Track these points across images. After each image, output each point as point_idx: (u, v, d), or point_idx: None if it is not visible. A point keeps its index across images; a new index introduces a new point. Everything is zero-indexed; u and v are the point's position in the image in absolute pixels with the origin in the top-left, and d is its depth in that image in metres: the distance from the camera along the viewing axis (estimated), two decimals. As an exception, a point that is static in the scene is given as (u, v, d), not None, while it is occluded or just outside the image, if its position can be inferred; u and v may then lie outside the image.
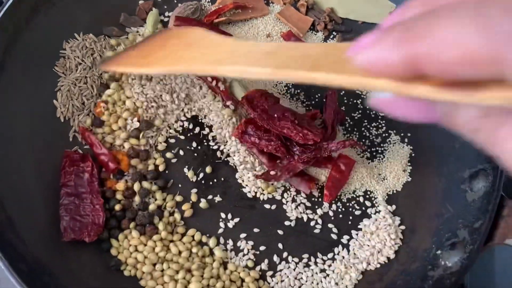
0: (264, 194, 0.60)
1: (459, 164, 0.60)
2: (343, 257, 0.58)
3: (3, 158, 0.53)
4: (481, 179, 0.57)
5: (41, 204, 0.54)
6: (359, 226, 0.60)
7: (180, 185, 0.59)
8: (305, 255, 0.58)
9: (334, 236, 0.59)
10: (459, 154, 0.60)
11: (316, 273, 0.57)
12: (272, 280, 0.56)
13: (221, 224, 0.58)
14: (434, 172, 0.62)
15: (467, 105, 0.18)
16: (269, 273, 0.57)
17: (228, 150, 0.61)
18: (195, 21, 0.65)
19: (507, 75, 0.16)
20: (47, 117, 0.58)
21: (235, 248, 0.57)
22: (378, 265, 0.58)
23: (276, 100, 0.61)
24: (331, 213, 0.60)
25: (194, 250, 0.56)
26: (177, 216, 0.57)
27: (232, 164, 0.61)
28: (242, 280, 0.56)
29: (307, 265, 0.57)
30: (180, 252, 0.55)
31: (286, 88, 0.66)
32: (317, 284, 0.57)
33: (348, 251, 0.58)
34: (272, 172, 0.59)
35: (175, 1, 0.68)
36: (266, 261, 0.57)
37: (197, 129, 0.61)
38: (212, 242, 0.57)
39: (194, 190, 0.59)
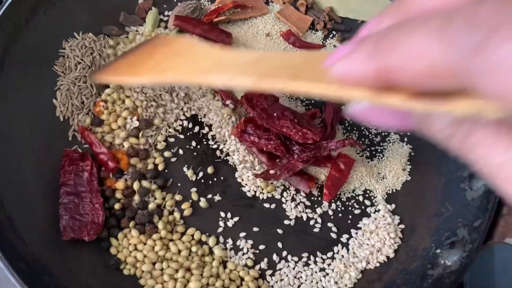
0: (263, 193, 0.60)
1: (458, 163, 0.60)
2: (343, 256, 0.58)
3: (2, 158, 0.53)
4: (480, 178, 0.57)
5: (40, 203, 0.54)
6: (358, 225, 0.60)
7: (179, 184, 0.59)
8: (305, 254, 0.58)
9: (333, 235, 0.59)
10: (459, 153, 0.60)
11: (316, 272, 0.57)
12: (272, 279, 0.56)
13: (221, 223, 0.58)
14: (434, 171, 0.62)
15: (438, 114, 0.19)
16: (269, 272, 0.57)
17: (228, 149, 0.61)
18: (194, 20, 0.65)
19: (469, 87, 0.16)
20: (47, 117, 0.58)
21: (235, 247, 0.57)
22: (378, 264, 0.58)
23: (275, 99, 0.61)
24: (330, 212, 0.60)
25: (193, 249, 0.56)
26: (176, 215, 0.57)
27: (231, 163, 0.61)
28: (242, 279, 0.56)
29: (306, 264, 0.58)
30: (179, 251, 0.55)
31: (286, 87, 0.66)
32: (317, 283, 0.57)
33: (348, 250, 0.58)
34: (271, 171, 0.59)
35: (175, 0, 0.68)
36: (265, 260, 0.57)
37: (196, 128, 0.61)
38: (211, 241, 0.57)
39: (194, 189, 0.59)
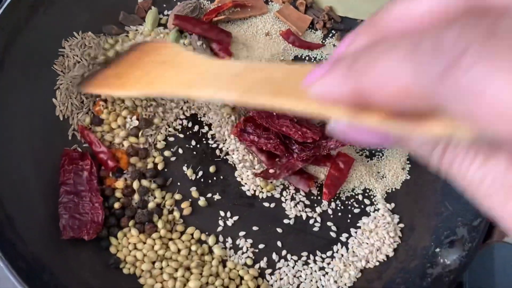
0: (263, 192, 0.60)
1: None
2: (342, 255, 0.58)
3: (2, 157, 0.53)
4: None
5: (40, 202, 0.54)
6: (358, 224, 0.60)
7: (179, 183, 0.59)
8: (304, 253, 0.58)
9: (333, 234, 0.59)
10: (458, 152, 0.60)
11: (315, 271, 0.57)
12: (271, 278, 0.57)
13: (220, 222, 0.58)
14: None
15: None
16: (268, 271, 0.57)
17: (227, 148, 0.61)
18: (194, 19, 0.65)
19: (441, 109, 0.17)
20: (47, 116, 0.58)
21: (234, 246, 0.57)
22: (377, 263, 0.58)
23: (275, 98, 0.61)
24: (330, 211, 0.60)
25: (193, 248, 0.56)
26: (176, 214, 0.57)
27: (231, 162, 0.61)
28: (241, 278, 0.56)
29: (306, 263, 0.58)
30: (179, 250, 0.56)
31: (285, 86, 0.66)
32: (316, 282, 0.57)
33: (347, 249, 0.59)
34: (271, 170, 0.59)
35: (174, 0, 0.68)
36: (265, 259, 0.57)
37: (196, 128, 0.61)
38: (211, 240, 0.57)
39: (193, 188, 0.59)
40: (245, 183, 0.60)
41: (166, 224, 0.56)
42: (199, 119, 0.62)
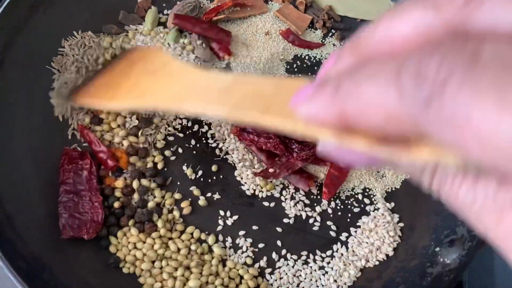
0: (262, 192, 0.60)
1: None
2: (342, 255, 0.58)
3: (2, 157, 0.53)
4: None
5: (40, 202, 0.54)
6: (357, 224, 0.60)
7: (179, 183, 0.59)
8: (304, 253, 0.58)
9: (332, 234, 0.59)
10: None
11: (315, 270, 0.57)
12: (271, 277, 0.57)
13: (220, 222, 0.58)
14: (433, 170, 0.62)
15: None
16: (268, 270, 0.57)
17: (227, 147, 0.61)
18: (194, 19, 0.65)
19: (424, 135, 0.17)
20: (46, 115, 0.58)
21: (234, 246, 0.57)
22: (377, 262, 0.58)
23: (274, 97, 0.61)
24: (329, 211, 0.60)
25: (193, 247, 0.56)
26: (176, 213, 0.57)
27: (230, 162, 0.61)
28: (241, 277, 0.56)
29: (305, 263, 0.58)
30: (179, 250, 0.56)
31: (285, 85, 0.66)
32: (316, 281, 0.57)
33: (347, 248, 0.59)
34: (270, 170, 0.59)
35: (174, -1, 0.68)
36: (265, 258, 0.57)
37: (195, 127, 0.61)
38: (211, 239, 0.57)
39: (193, 188, 0.59)
40: (245, 183, 0.60)
41: (166, 224, 0.56)
42: (198, 118, 0.62)
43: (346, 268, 0.57)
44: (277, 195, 0.60)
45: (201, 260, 0.55)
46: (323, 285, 0.57)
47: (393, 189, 0.62)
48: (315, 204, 0.60)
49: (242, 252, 0.57)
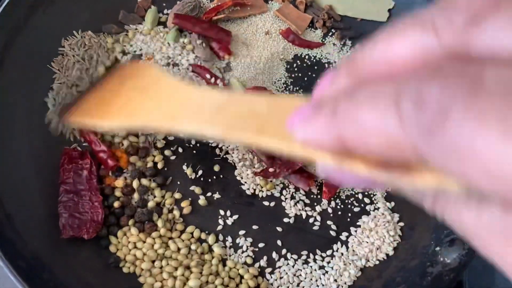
0: (263, 191, 0.60)
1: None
2: (342, 254, 0.58)
3: (2, 156, 0.53)
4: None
5: (40, 201, 0.54)
6: (358, 223, 0.60)
7: (179, 182, 0.59)
8: (304, 252, 0.58)
9: (333, 233, 0.59)
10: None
11: (315, 269, 0.57)
12: (271, 277, 0.57)
13: (220, 221, 0.58)
14: (433, 169, 0.62)
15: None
16: (268, 269, 0.57)
17: (227, 147, 0.61)
18: (193, 18, 0.65)
19: (425, 162, 0.16)
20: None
21: (234, 245, 0.57)
22: (377, 262, 0.58)
23: (274, 97, 0.61)
24: (330, 210, 0.60)
25: (193, 247, 0.56)
26: (176, 213, 0.57)
27: (231, 161, 0.61)
28: (241, 277, 0.56)
29: (306, 262, 0.58)
30: (179, 249, 0.56)
31: (285, 85, 0.66)
32: (316, 280, 0.57)
33: (347, 248, 0.59)
34: (271, 169, 0.59)
35: (174, -1, 0.68)
36: (265, 258, 0.57)
37: (196, 127, 0.61)
38: (211, 239, 0.57)
39: (193, 187, 0.59)
40: (245, 182, 0.60)
41: (166, 223, 0.56)
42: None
43: (346, 268, 0.57)
44: (277, 194, 0.60)
45: (201, 259, 0.55)
46: (323, 285, 0.57)
47: (393, 188, 0.62)
48: (315, 204, 0.60)
49: (242, 252, 0.57)
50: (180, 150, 0.60)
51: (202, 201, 0.58)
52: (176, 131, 0.28)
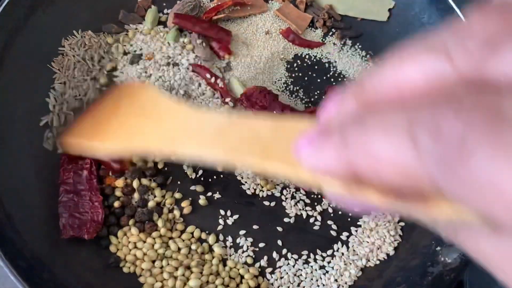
0: (263, 191, 0.60)
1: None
2: (343, 254, 0.58)
3: (2, 156, 0.53)
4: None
5: (40, 201, 0.54)
6: (358, 223, 0.60)
7: (179, 182, 0.59)
8: (305, 252, 0.58)
9: (333, 233, 0.59)
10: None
11: (316, 269, 0.57)
12: (272, 277, 0.56)
13: (220, 221, 0.58)
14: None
15: None
16: (269, 269, 0.57)
17: (227, 147, 0.61)
18: (194, 18, 0.65)
19: (444, 195, 0.15)
20: (46, 114, 0.58)
21: (235, 245, 0.57)
22: (378, 262, 0.58)
23: (275, 96, 0.61)
24: (330, 210, 0.60)
25: (193, 247, 0.56)
26: (176, 213, 0.57)
27: (231, 161, 0.60)
28: (242, 277, 0.56)
29: (306, 262, 0.57)
30: (179, 249, 0.55)
31: (285, 85, 0.66)
32: (317, 280, 0.57)
33: (348, 247, 0.58)
34: (271, 169, 0.59)
35: (174, -2, 0.68)
36: (265, 257, 0.57)
37: (196, 126, 0.61)
38: (211, 239, 0.57)
39: (193, 187, 0.59)
40: (245, 182, 0.60)
41: (166, 223, 0.56)
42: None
43: (347, 268, 0.57)
44: (277, 194, 0.60)
45: (202, 259, 0.55)
46: (323, 285, 0.56)
47: (394, 188, 0.62)
48: (316, 204, 0.60)
49: (243, 252, 0.57)
50: (180, 150, 0.60)
51: (202, 201, 0.58)
52: (176, 155, 0.27)
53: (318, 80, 0.67)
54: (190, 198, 0.58)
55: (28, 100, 0.57)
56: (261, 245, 0.57)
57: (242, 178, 0.60)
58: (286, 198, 0.60)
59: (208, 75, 0.62)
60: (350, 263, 0.57)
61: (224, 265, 0.56)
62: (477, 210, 0.15)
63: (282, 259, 0.57)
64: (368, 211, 0.19)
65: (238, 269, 0.56)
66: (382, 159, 0.16)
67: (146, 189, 0.57)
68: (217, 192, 0.59)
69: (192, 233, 0.57)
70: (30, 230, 0.51)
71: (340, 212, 0.60)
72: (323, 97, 0.63)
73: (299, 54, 0.68)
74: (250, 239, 0.58)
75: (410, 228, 0.60)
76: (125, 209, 0.56)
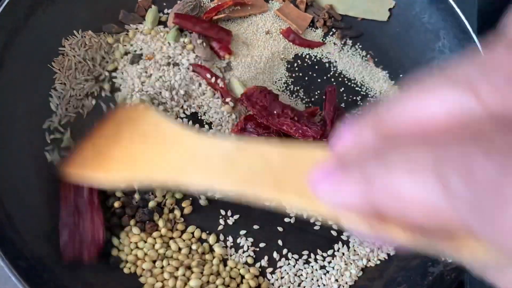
0: (263, 191, 0.59)
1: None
2: (343, 254, 0.58)
3: (2, 156, 0.53)
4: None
5: (40, 201, 0.54)
6: (359, 223, 0.59)
7: (179, 182, 0.59)
8: (305, 252, 0.58)
9: (334, 233, 0.59)
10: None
11: (316, 269, 0.57)
12: (272, 277, 0.56)
13: (221, 221, 0.58)
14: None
15: None
16: (269, 269, 0.57)
17: (228, 147, 0.61)
18: (194, 18, 0.65)
19: (475, 237, 0.15)
20: (46, 115, 0.58)
21: (235, 245, 0.57)
22: (378, 262, 0.58)
23: (275, 96, 0.61)
24: (331, 210, 0.60)
25: (194, 247, 0.56)
26: (177, 213, 0.57)
27: (231, 161, 0.60)
28: (242, 277, 0.56)
29: (307, 262, 0.57)
30: (180, 249, 0.55)
31: (286, 84, 0.66)
32: (317, 280, 0.57)
33: (348, 247, 0.58)
34: (271, 169, 0.58)
35: (174, -2, 0.68)
36: (266, 257, 0.57)
37: (196, 126, 0.61)
38: (211, 239, 0.57)
39: (194, 187, 0.59)
40: (246, 182, 0.59)
41: (167, 223, 0.56)
42: (199, 118, 0.62)
43: (348, 268, 0.57)
44: (278, 194, 0.60)
45: (202, 259, 0.55)
46: (324, 285, 0.56)
47: (394, 188, 0.62)
48: (316, 204, 0.60)
49: (243, 252, 0.57)
50: (181, 150, 0.60)
51: (203, 201, 0.58)
52: (183, 185, 0.25)
53: (319, 80, 0.67)
54: (190, 198, 0.58)
55: (28, 100, 0.57)
56: (262, 245, 0.57)
57: (242, 178, 0.60)
58: (286, 198, 0.59)
59: (208, 75, 0.62)
60: (351, 263, 0.57)
61: (225, 265, 0.56)
62: (506, 251, 0.14)
63: (283, 259, 0.57)
64: (391, 244, 0.18)
65: (239, 269, 0.56)
66: (408, 199, 0.15)
67: (147, 189, 0.57)
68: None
69: (192, 233, 0.57)
70: (30, 230, 0.51)
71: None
72: (323, 97, 0.63)
73: (299, 54, 0.68)
74: (250, 239, 0.57)
75: (410, 228, 0.60)
76: (126, 209, 0.56)
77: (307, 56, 0.68)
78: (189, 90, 0.62)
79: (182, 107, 0.61)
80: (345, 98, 0.66)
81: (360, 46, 0.70)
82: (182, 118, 0.61)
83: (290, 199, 0.20)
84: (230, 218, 0.58)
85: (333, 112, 0.61)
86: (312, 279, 0.57)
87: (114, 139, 0.35)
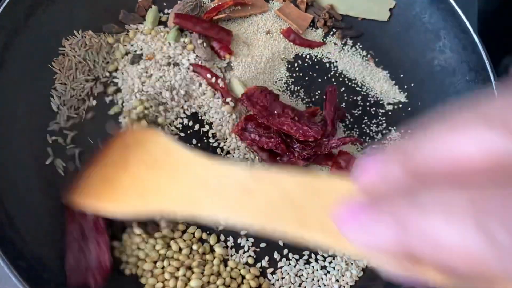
0: (264, 191, 0.59)
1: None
2: (344, 254, 0.58)
3: (2, 156, 0.53)
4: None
5: (41, 201, 0.54)
6: (359, 223, 0.59)
7: (180, 182, 0.59)
8: (306, 252, 0.58)
9: (334, 233, 0.59)
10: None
11: (317, 270, 0.57)
12: (273, 277, 0.56)
13: (221, 221, 0.58)
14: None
15: None
16: (270, 270, 0.57)
17: (228, 147, 0.61)
18: (194, 18, 0.64)
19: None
20: (46, 116, 0.58)
21: (236, 245, 0.57)
22: (379, 262, 0.58)
23: (276, 96, 0.61)
24: (331, 210, 0.60)
25: (194, 247, 0.56)
26: (177, 213, 0.57)
27: (232, 161, 0.60)
28: (243, 277, 0.56)
29: (307, 262, 0.57)
30: (180, 249, 0.55)
31: (286, 84, 0.66)
32: (318, 281, 0.56)
33: (349, 247, 0.58)
34: (272, 169, 0.58)
35: (175, -2, 0.68)
36: (266, 258, 0.57)
37: (196, 126, 0.61)
38: (212, 239, 0.57)
39: (194, 187, 0.59)
40: (246, 182, 0.59)
41: (168, 223, 0.56)
42: (200, 118, 0.62)
43: (348, 268, 0.57)
44: (278, 194, 0.59)
45: (203, 260, 0.55)
46: (325, 285, 0.56)
47: (395, 188, 0.61)
48: (317, 204, 0.60)
49: (244, 252, 0.57)
50: (181, 150, 0.60)
51: (203, 201, 0.58)
52: (198, 217, 0.24)
53: (319, 80, 0.67)
54: (191, 198, 0.58)
55: (28, 100, 0.57)
56: (262, 245, 0.57)
57: (243, 178, 0.59)
58: (287, 198, 0.59)
59: (208, 75, 0.62)
60: (351, 263, 0.57)
61: (225, 265, 0.56)
62: None
63: (283, 259, 0.57)
64: (423, 284, 0.17)
65: (239, 270, 0.56)
66: (446, 246, 0.15)
67: (147, 189, 0.57)
68: (218, 192, 0.59)
69: (193, 234, 0.57)
70: (31, 230, 0.51)
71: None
72: (324, 97, 0.63)
73: (300, 54, 0.68)
74: (251, 239, 0.57)
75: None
76: (125, 209, 0.56)
77: (308, 56, 0.68)
78: (190, 90, 0.62)
79: (182, 107, 0.61)
80: (345, 98, 0.66)
81: (360, 46, 0.70)
82: (182, 118, 0.61)
83: (314, 236, 0.19)
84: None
85: (333, 112, 0.61)
86: (313, 279, 0.56)
87: (121, 166, 0.33)
